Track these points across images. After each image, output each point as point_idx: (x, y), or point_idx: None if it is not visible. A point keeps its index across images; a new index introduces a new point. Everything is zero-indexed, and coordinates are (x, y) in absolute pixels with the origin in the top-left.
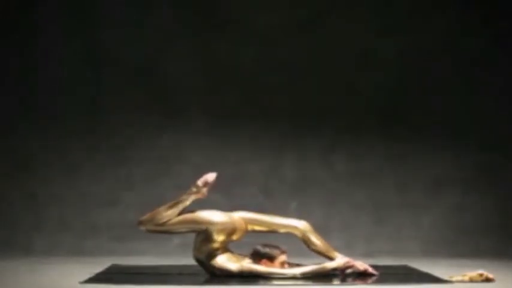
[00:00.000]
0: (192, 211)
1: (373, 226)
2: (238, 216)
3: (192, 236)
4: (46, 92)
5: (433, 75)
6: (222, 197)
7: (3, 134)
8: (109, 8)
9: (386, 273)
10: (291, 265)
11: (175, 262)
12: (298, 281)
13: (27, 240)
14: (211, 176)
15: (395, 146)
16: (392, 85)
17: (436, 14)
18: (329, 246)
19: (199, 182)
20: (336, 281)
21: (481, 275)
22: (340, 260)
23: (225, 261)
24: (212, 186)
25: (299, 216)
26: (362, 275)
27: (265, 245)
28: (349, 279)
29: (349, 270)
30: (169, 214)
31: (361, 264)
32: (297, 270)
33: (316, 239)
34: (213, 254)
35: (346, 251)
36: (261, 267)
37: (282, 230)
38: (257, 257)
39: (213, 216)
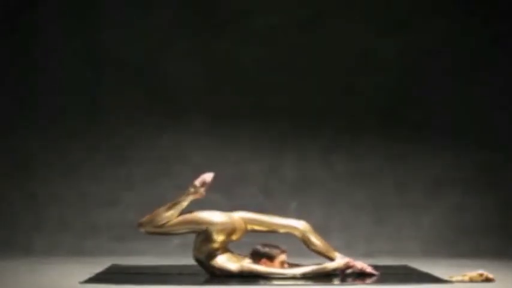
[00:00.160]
0: (192, 212)
1: (373, 226)
2: (238, 216)
3: (192, 236)
4: (46, 92)
5: (433, 75)
6: (222, 197)
7: (3, 134)
8: (109, 8)
9: (386, 273)
10: (291, 265)
11: (175, 262)
12: (298, 281)
13: (27, 240)
14: (208, 176)
15: (395, 146)
16: (392, 85)
17: (436, 14)
18: (329, 246)
19: (197, 182)
20: (336, 281)
21: (481, 275)
22: (340, 261)
23: (225, 261)
24: (210, 186)
25: (299, 216)
26: (362, 275)
27: (265, 245)
28: (349, 279)
29: (349, 270)
30: (168, 215)
31: (361, 265)
32: (297, 271)
33: (316, 239)
34: (213, 254)
35: (346, 251)
36: (261, 267)
37: (282, 230)
38: (257, 256)
39: (213, 216)
